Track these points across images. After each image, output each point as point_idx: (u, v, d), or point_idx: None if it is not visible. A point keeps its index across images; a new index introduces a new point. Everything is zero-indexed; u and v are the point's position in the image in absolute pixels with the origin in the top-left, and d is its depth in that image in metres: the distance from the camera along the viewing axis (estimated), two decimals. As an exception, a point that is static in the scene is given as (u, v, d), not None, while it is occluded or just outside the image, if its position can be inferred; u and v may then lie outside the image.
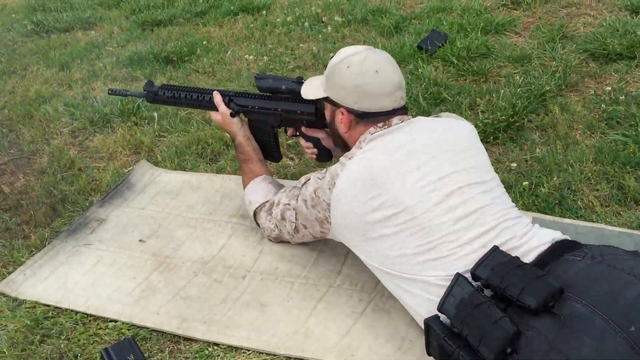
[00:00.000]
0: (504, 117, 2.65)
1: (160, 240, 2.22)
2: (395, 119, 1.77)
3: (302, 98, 2.00)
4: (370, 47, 1.81)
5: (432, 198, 1.61)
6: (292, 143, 2.71)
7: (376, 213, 1.65)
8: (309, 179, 1.87)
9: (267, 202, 2.07)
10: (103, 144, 2.85)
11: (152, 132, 2.91)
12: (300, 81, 2.01)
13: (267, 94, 2.09)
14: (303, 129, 2.09)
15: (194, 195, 2.46)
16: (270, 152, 2.21)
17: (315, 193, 1.79)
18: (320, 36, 3.73)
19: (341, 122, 1.81)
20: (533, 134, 2.60)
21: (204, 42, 3.88)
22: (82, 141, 2.93)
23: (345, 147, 1.91)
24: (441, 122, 1.81)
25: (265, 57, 3.56)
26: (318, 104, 2.00)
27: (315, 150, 2.13)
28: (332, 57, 1.82)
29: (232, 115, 2.12)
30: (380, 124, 1.76)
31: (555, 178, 2.26)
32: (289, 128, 2.15)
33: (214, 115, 2.19)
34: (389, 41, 3.58)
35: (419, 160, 1.67)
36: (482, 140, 1.84)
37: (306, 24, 3.88)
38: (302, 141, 2.14)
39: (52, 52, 4.01)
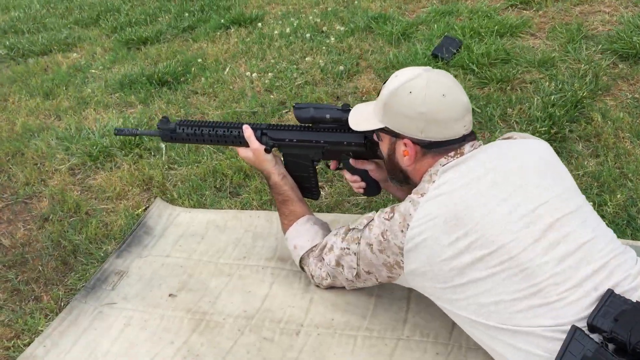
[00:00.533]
0: (543, 129, 2.48)
1: (193, 293, 1.98)
2: (467, 147, 1.57)
3: (348, 127, 1.79)
4: (427, 67, 1.60)
5: (528, 234, 1.42)
6: (319, 169, 2.49)
7: (464, 256, 1.45)
8: (372, 220, 1.65)
9: (315, 246, 1.85)
10: (108, 182, 2.58)
11: (161, 165, 2.65)
12: (347, 109, 1.79)
13: (307, 124, 1.87)
14: (351, 161, 1.87)
15: (222, 237, 2.22)
16: (308, 188, 1.99)
17: (383, 236, 1.58)
18: (324, 48, 3.52)
19: (404, 154, 1.61)
20: (577, 145, 2.43)
21: (199, 60, 3.63)
22: (83, 179, 2.66)
23: (405, 181, 1.70)
24: (518, 145, 1.62)
25: (269, 74, 3.33)
26: (368, 133, 1.79)
27: (362, 184, 1.92)
28: (386, 82, 1.61)
29: (266, 151, 1.89)
30: (451, 154, 1.56)
31: (618, 195, 2.09)
32: (332, 161, 1.93)
33: (243, 152, 1.96)
34: (398, 49, 3.39)
35: (504, 191, 1.48)
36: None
37: (307, 35, 3.66)
38: (347, 174, 1.92)
39: (33, 79, 3.71)
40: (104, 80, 3.58)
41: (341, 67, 3.26)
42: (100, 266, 2.13)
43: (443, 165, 1.55)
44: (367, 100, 2.96)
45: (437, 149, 1.57)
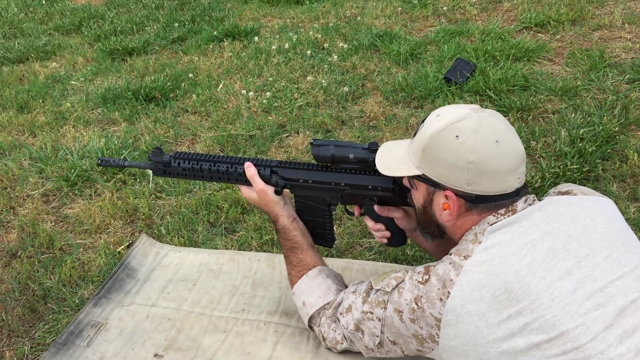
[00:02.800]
0: (574, 167, 2.24)
1: (183, 354, 1.69)
2: (520, 203, 1.32)
3: (374, 169, 1.53)
4: (475, 106, 1.35)
5: (598, 318, 1.17)
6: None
7: (517, 339, 1.20)
8: (402, 282, 1.39)
9: (327, 304, 1.58)
10: (86, 212, 2.28)
11: (147, 194, 2.36)
12: (374, 148, 1.53)
13: (325, 164, 1.60)
14: (376, 207, 1.61)
15: (217, 283, 1.94)
16: (322, 235, 1.72)
17: (416, 303, 1.32)
18: (326, 66, 3.26)
19: (444, 208, 1.35)
20: (611, 186, 2.20)
21: (190, 75, 3.35)
22: (58, 208, 2.36)
23: (440, 236, 1.45)
24: (580, 203, 1.37)
25: (267, 93, 3.06)
26: (397, 178, 1.53)
27: (387, 233, 1.66)
28: (426, 120, 1.36)
29: (277, 193, 1.62)
30: (501, 211, 1.31)
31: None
32: (354, 206, 1.67)
33: (246, 192, 1.69)
34: (407, 71, 3.15)
35: (566, 261, 1.23)
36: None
37: (308, 51, 3.40)
38: (369, 222, 1.66)
39: (7, 90, 3.39)
40: (85, 94, 3.28)
41: (345, 88, 3.01)
42: (74, 316, 1.83)
43: (491, 224, 1.30)
44: (375, 126, 2.71)
45: (485, 204, 1.31)
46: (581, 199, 1.39)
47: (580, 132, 2.44)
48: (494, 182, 1.28)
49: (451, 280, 1.27)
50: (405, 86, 2.97)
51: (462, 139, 1.27)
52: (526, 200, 1.33)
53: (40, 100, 3.24)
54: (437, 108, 2.76)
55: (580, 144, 2.37)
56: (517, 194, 1.32)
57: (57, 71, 3.65)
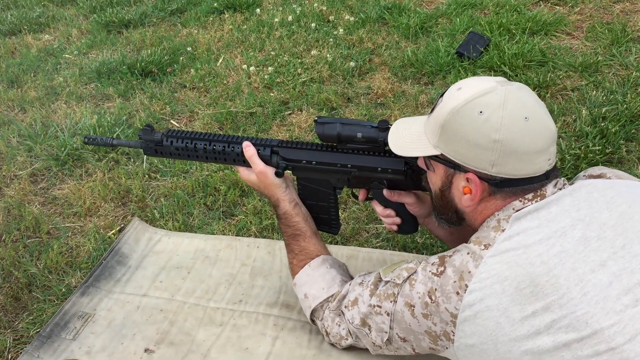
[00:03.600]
0: (597, 148, 2.09)
1: (176, 349, 1.57)
2: (549, 187, 1.18)
3: (384, 149, 1.39)
4: (500, 78, 1.20)
5: (637, 316, 1.05)
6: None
7: (543, 338, 1.08)
8: (414, 273, 1.26)
9: (332, 296, 1.45)
10: (76, 194, 2.15)
11: (141, 175, 2.23)
12: (385, 126, 1.38)
13: (331, 143, 1.46)
14: (385, 192, 1.47)
15: (213, 271, 1.81)
16: (326, 220, 1.58)
17: (430, 296, 1.19)
18: (331, 40, 3.10)
19: (464, 192, 1.21)
20: (635, 169, 2.05)
21: (188, 49, 3.19)
22: (46, 189, 2.23)
23: (458, 223, 1.31)
24: (615, 187, 1.22)
25: (269, 68, 2.90)
26: (412, 159, 1.39)
27: (397, 219, 1.52)
28: (445, 94, 1.21)
29: (277, 175, 1.48)
30: (529, 195, 1.17)
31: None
32: (360, 190, 1.53)
33: (245, 174, 1.55)
34: (417, 45, 2.98)
35: (601, 251, 1.10)
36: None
37: (312, 24, 3.23)
38: (378, 207, 1.52)
39: (-3, 63, 3.24)
40: (79, 68, 3.13)
41: (352, 63, 2.85)
42: (60, 306, 1.70)
43: (517, 210, 1.16)
44: (383, 104, 2.56)
45: (511, 188, 1.17)
46: (616, 182, 1.25)
47: (602, 110, 2.28)
48: (521, 164, 1.14)
49: (469, 272, 1.14)
50: (414, 61, 2.81)
51: (486, 115, 1.12)
52: (556, 184, 1.19)
53: (32, 74, 3.09)
54: (449, 84, 2.62)
55: (602, 124, 2.22)
56: (547, 177, 1.17)
57: (50, 44, 3.49)
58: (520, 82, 2.49)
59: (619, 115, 2.24)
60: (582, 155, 2.07)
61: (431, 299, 1.19)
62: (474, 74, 2.67)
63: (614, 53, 2.68)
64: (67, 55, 3.31)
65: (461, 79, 2.62)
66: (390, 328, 1.30)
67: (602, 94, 2.40)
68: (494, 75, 2.61)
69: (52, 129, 2.54)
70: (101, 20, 3.62)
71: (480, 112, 1.13)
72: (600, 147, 2.09)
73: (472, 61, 2.75)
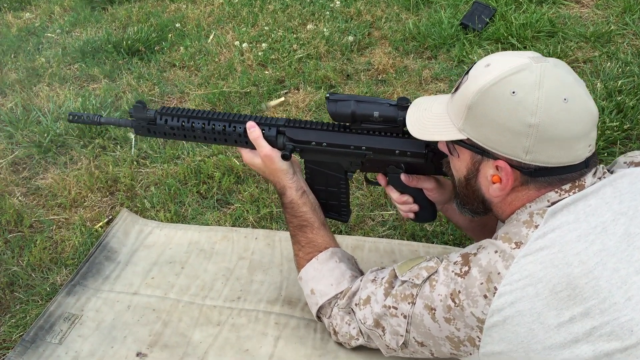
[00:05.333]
0: (614, 124, 1.96)
1: (170, 351, 1.45)
2: (588, 177, 1.05)
3: (402, 130, 1.26)
4: (534, 53, 1.06)
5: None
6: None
7: (581, 346, 0.98)
8: (434, 272, 1.14)
9: (341, 293, 1.33)
10: (60, 183, 2.02)
11: (130, 161, 2.09)
12: (405, 104, 1.24)
13: (343, 123, 1.32)
14: (403, 176, 1.33)
15: (209, 266, 1.69)
16: (336, 207, 1.45)
17: (453, 299, 1.08)
18: (327, 13, 2.94)
19: (493, 181, 1.08)
20: (655, 146, 1.93)
21: (177, 25, 3.03)
22: (28, 179, 2.09)
23: (484, 212, 1.19)
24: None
25: (263, 44, 2.74)
26: (431, 143, 1.26)
27: (414, 206, 1.39)
28: (471, 71, 1.08)
29: (284, 157, 1.34)
30: (566, 186, 1.04)
31: None
32: (378, 174, 1.39)
33: (248, 157, 1.41)
34: (418, 17, 2.83)
35: (646, 250, 0.99)
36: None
37: (307, -3, 3.07)
38: (394, 193, 1.39)
39: (-25, 44, 3.07)
40: (62, 47, 2.96)
41: (350, 38, 2.70)
42: (45, 307, 1.58)
43: (552, 203, 1.04)
44: (384, 80, 2.42)
45: (546, 177, 1.05)
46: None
47: (618, 83, 2.16)
48: (559, 151, 1.01)
49: (498, 273, 1.02)
50: (416, 34, 2.66)
51: (520, 96, 0.99)
52: (595, 173, 1.07)
53: (12, 55, 2.93)
54: (453, 58, 2.48)
55: (618, 98, 2.09)
56: (587, 165, 1.05)
57: (31, 22, 3.31)
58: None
59: (635, 89, 2.11)
60: (599, 132, 1.95)
61: (454, 302, 1.07)
62: (480, 46, 2.53)
63: (627, 21, 2.54)
64: (49, 35, 3.13)
65: (466, 52, 2.51)
66: (406, 332, 1.19)
67: (617, 66, 2.26)
68: (502, 48, 2.49)
69: (34, 114, 2.40)
70: (85, -4, 3.44)
71: (513, 92, 1.00)
72: (617, 123, 1.97)
73: (477, 33, 2.61)
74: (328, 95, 1.27)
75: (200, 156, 2.08)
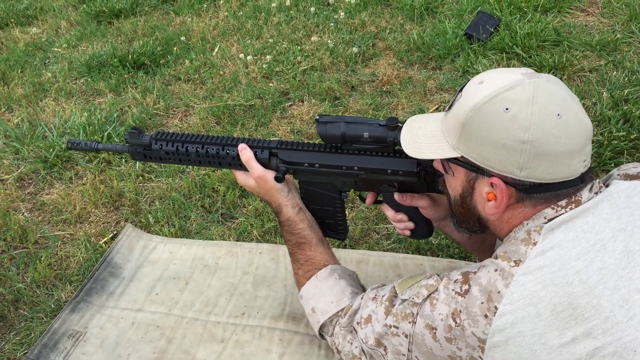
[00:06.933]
0: (621, 134, 1.94)
1: (175, 369, 1.44)
2: (585, 192, 1.04)
3: (394, 149, 1.26)
4: (527, 69, 1.05)
5: (693, 346, 0.91)
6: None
7: None
8: (434, 290, 1.12)
9: (342, 310, 1.32)
10: (66, 199, 2.02)
11: (134, 176, 2.09)
12: (394, 124, 1.24)
13: (335, 144, 1.32)
14: (396, 195, 1.33)
15: (213, 281, 1.68)
16: (333, 226, 1.45)
17: (454, 319, 1.06)
18: (332, 25, 2.94)
19: (488, 198, 1.07)
20: (663, 156, 1.91)
21: (182, 38, 3.04)
22: (34, 194, 2.10)
23: (480, 231, 1.18)
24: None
25: (267, 56, 2.75)
26: (424, 161, 1.25)
27: (410, 224, 1.38)
28: (465, 88, 1.07)
29: (277, 179, 1.34)
30: (562, 202, 1.03)
31: None
32: (368, 193, 1.39)
33: (242, 178, 1.41)
34: (422, 28, 2.82)
35: (646, 267, 0.97)
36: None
37: (311, 8, 3.07)
38: (389, 212, 1.39)
39: (-17, 59, 3.10)
40: (68, 62, 2.98)
41: (354, 49, 2.69)
42: (49, 324, 1.58)
43: (549, 220, 1.03)
44: (389, 92, 2.41)
45: (542, 194, 1.03)
46: (658, 184, 1.10)
47: (625, 92, 2.13)
48: (554, 167, 0.99)
49: (499, 292, 1.01)
50: (421, 45, 2.65)
51: (513, 113, 0.98)
52: (591, 188, 1.05)
53: (19, 70, 2.95)
54: (458, 69, 2.47)
55: (625, 107, 2.07)
56: (582, 180, 1.03)
57: (38, 37, 3.34)
58: (534, 63, 2.36)
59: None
60: (606, 142, 1.93)
61: (455, 322, 1.06)
62: (485, 57, 2.52)
63: (632, 30, 2.52)
64: (56, 49, 3.16)
65: (471, 62, 2.50)
66: (408, 350, 1.17)
67: (623, 75, 2.24)
68: (507, 58, 2.48)
69: (40, 129, 2.41)
70: (91, 11, 3.46)
71: (506, 109, 0.99)
72: (624, 133, 1.95)
73: (482, 43, 2.60)
74: (318, 117, 1.27)
75: (205, 170, 2.07)
